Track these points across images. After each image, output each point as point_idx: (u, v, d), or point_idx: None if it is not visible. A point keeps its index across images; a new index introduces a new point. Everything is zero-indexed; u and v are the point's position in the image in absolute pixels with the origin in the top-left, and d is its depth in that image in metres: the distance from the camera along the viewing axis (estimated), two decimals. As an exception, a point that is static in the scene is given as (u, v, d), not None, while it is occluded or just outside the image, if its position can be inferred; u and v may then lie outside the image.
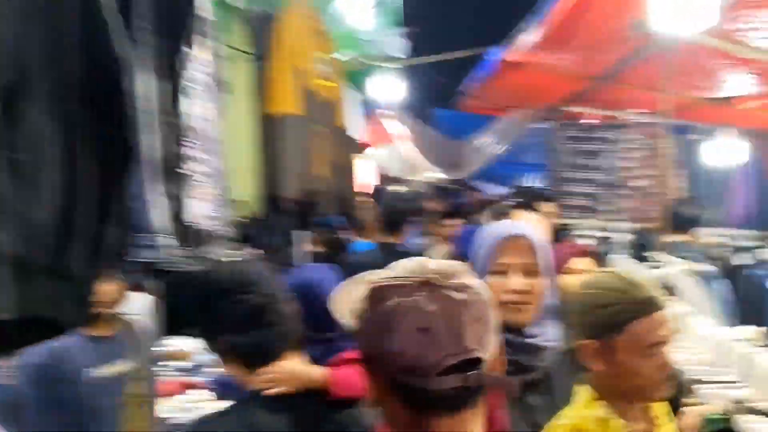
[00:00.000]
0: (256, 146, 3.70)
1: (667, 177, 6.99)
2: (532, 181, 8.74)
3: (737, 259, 6.15)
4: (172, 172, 2.47)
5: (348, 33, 5.24)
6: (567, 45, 4.84)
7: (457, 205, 8.24)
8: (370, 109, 7.86)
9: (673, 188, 7.04)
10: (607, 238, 6.81)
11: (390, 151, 9.74)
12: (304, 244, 4.59)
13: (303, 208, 3.88)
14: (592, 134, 6.95)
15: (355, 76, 6.20)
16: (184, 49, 2.52)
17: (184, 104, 2.54)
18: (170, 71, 2.51)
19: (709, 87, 5.54)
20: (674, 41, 4.55)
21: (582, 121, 6.93)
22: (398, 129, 7.28)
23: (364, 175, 9.26)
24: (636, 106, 6.72)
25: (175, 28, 2.42)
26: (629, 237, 6.82)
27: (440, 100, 7.94)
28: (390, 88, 6.27)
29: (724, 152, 6.26)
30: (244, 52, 3.68)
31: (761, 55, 4.55)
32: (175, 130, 2.50)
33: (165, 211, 2.28)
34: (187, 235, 2.56)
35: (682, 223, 5.76)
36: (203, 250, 2.68)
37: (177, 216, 2.50)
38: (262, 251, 3.84)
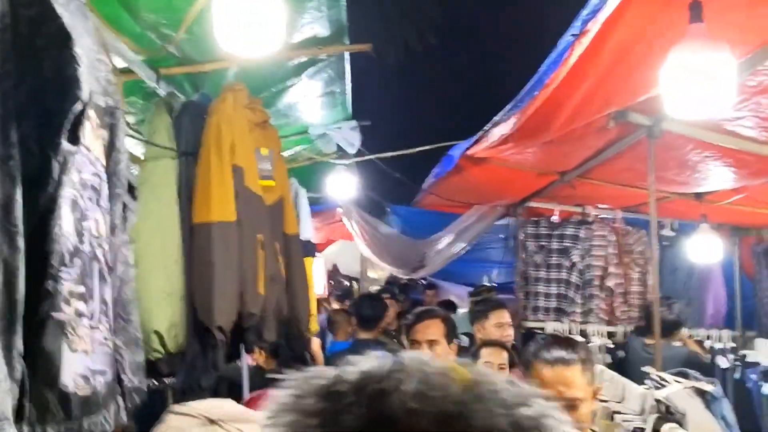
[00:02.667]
0: (179, 263, 2.91)
1: (639, 275, 6.40)
2: (495, 278, 8.05)
3: (722, 362, 5.53)
4: (35, 320, 1.69)
5: (295, 126, 4.54)
6: (538, 138, 4.24)
7: (416, 304, 7.52)
8: (321, 206, 7.15)
9: (646, 287, 6.45)
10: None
11: (341, 247, 8.99)
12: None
13: (239, 336, 3.06)
14: (558, 231, 6.33)
15: (303, 173, 5.48)
16: (63, 144, 1.77)
17: (63, 219, 1.77)
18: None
19: (685, 182, 5.02)
20: (658, 132, 4.00)
21: (548, 217, 6.31)
22: (352, 226, 6.52)
23: (317, 275, 8.48)
24: (603, 201, 6.16)
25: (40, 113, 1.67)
26: (605, 341, 6.17)
27: (397, 196, 7.26)
28: (343, 184, 5.56)
29: (698, 249, 5.67)
30: (166, 148, 2.93)
31: (749, 146, 4.02)
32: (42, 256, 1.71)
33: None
34: (65, 406, 1.76)
35: (666, 326, 5.15)
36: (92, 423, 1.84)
37: (47, 382, 1.72)
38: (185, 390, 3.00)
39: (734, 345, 5.80)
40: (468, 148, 4.52)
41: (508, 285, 7.62)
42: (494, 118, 3.96)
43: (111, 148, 2.20)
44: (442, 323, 3.15)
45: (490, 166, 5.21)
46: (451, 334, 3.18)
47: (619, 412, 4.10)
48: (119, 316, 2.27)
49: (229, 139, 3.03)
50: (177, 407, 1.54)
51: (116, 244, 2.19)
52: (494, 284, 7.74)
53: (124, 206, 2.24)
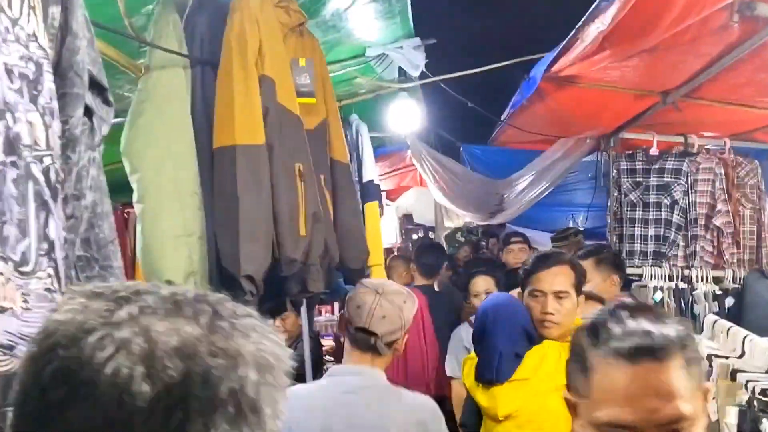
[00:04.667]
0: (197, 197, 2.27)
1: (751, 212, 5.44)
2: (582, 222, 7.16)
3: None
4: None
5: (349, 46, 3.81)
6: (640, 42, 3.38)
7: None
8: (389, 148, 6.43)
9: (760, 225, 5.48)
10: (684, 289, 5.25)
11: (416, 195, 8.27)
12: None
13: (279, 288, 2.42)
14: (657, 165, 5.41)
15: (364, 108, 4.77)
16: None
17: None
18: None
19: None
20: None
21: (646, 150, 5.39)
22: (423, 167, 5.78)
23: (387, 226, 7.78)
24: (712, 127, 5.20)
25: None
26: (711, 287, 5.27)
27: (471, 134, 6.43)
28: (409, 116, 4.81)
29: None
30: (175, 53, 2.27)
31: None
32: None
33: None
34: None
35: None
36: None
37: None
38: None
39: None
40: (553, 63, 3.68)
41: (597, 230, 6.74)
42: (584, 17, 3.11)
43: (65, 31, 1.55)
44: (571, 270, 2.46)
45: (577, 88, 4.36)
46: (580, 284, 2.49)
47: (741, 371, 3.30)
48: (92, 260, 1.65)
49: (255, 43, 2.33)
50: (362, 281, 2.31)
51: (78, 163, 1.56)
52: (581, 228, 6.84)
53: (89, 112, 1.60)
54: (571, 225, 7.36)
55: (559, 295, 2.40)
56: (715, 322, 4.06)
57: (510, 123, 5.07)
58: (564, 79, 4.22)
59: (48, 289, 1.34)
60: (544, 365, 2.33)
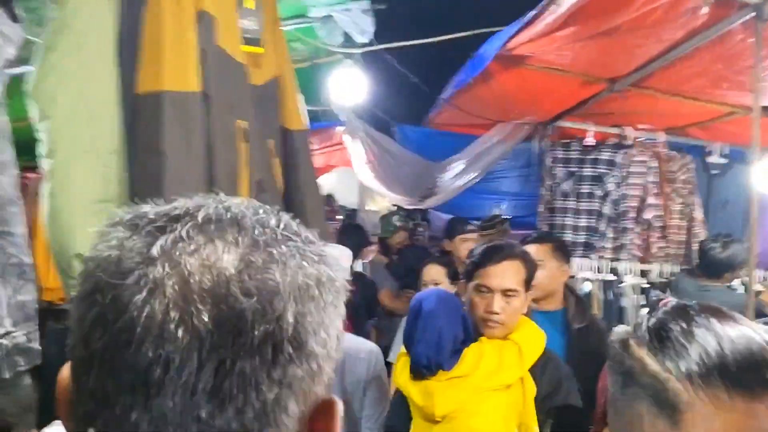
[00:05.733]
0: (118, 154, 1.85)
1: (681, 207, 5.41)
2: (508, 211, 7.01)
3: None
4: None
5: (290, 4, 3.42)
6: (603, 25, 3.16)
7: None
8: (320, 123, 6.04)
9: (688, 221, 5.47)
10: (612, 281, 5.18)
11: (340, 176, 7.91)
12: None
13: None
14: (591, 155, 5.29)
15: (299, 78, 4.37)
16: None
17: None
18: None
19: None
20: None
21: (581, 140, 5.26)
22: (355, 145, 5.44)
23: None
24: (651, 120, 5.10)
25: None
26: (638, 280, 5.22)
27: (407, 114, 6.12)
28: (349, 87, 4.44)
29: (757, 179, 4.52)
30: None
31: None
32: None
33: None
34: None
35: (717, 266, 4.25)
36: None
37: None
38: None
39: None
40: (512, 36, 3.41)
41: (523, 219, 6.60)
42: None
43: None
44: (522, 266, 2.20)
45: (525, 70, 4.13)
46: (530, 279, 2.24)
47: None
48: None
49: (195, -24, 1.94)
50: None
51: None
52: (507, 216, 6.65)
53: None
54: (496, 213, 7.22)
55: (507, 294, 2.16)
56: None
57: (451, 102, 4.80)
58: (514, 59, 3.97)
59: None
60: (483, 362, 2.09)
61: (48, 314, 4.47)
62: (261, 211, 0.57)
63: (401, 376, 2.12)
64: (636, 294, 5.17)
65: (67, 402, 0.54)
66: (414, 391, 2.09)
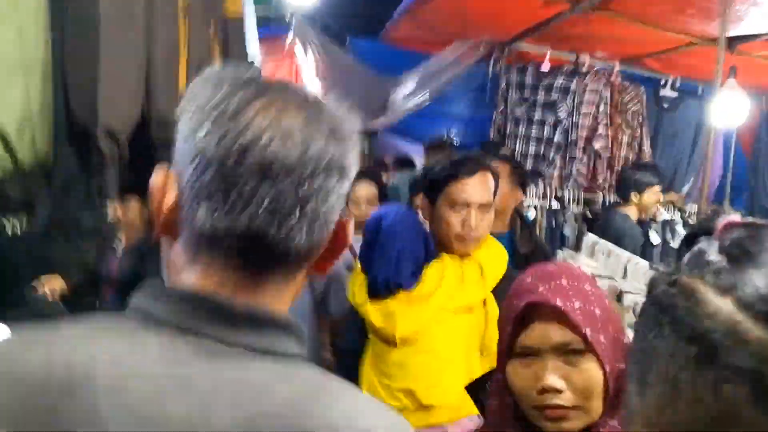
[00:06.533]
0: (43, 14, 1.63)
1: (629, 139, 5.41)
2: (457, 136, 6.88)
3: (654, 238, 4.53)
4: None
5: None
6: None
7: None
8: (268, 29, 5.71)
9: (636, 153, 5.48)
10: (556, 210, 5.17)
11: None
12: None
13: (146, 154, 1.85)
14: (546, 81, 5.19)
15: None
16: None
17: None
18: None
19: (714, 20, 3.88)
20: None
21: (537, 65, 5.13)
22: (305, 54, 5.18)
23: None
24: (607, 47, 5.01)
25: None
26: (582, 209, 5.24)
27: (361, 26, 5.84)
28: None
29: (719, 110, 4.40)
30: None
31: None
32: None
33: None
34: None
35: (622, 184, 4.08)
36: None
37: None
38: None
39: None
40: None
41: (471, 144, 6.50)
42: None
43: None
44: (492, 179, 2.02)
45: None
46: (495, 193, 2.08)
47: (628, 292, 3.21)
48: None
49: None
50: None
51: None
52: (454, 140, 6.52)
53: None
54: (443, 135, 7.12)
55: (483, 208, 1.99)
56: (595, 243, 3.97)
57: (407, 16, 4.58)
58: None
59: None
60: (445, 282, 1.94)
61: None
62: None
63: (358, 296, 1.95)
64: (578, 223, 5.19)
65: (175, 211, 0.67)
66: (372, 311, 1.92)
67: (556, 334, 0.95)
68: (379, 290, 1.87)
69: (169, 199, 0.68)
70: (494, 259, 2.03)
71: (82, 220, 1.78)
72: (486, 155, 2.88)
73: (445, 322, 1.87)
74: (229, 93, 0.65)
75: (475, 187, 1.96)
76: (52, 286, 2.88)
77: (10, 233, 3.88)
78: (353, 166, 0.70)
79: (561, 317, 0.94)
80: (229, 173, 0.62)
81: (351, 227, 0.75)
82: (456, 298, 1.91)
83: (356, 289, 1.95)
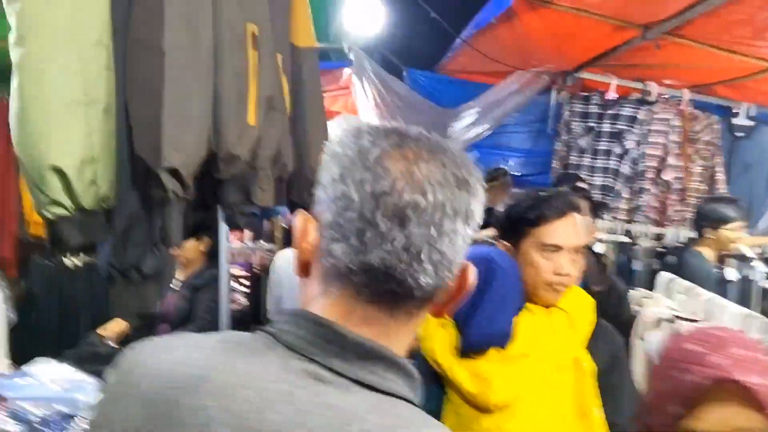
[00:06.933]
0: (106, 48, 1.52)
1: (701, 170, 5.12)
2: (515, 168, 6.66)
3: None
4: None
5: None
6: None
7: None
8: (326, 63, 5.65)
9: (709, 185, 5.18)
10: (625, 244, 4.90)
11: (341, 123, 7.53)
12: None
13: (211, 193, 1.72)
14: (611, 111, 4.97)
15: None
16: None
17: None
18: None
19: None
20: None
21: (602, 93, 4.92)
22: (362, 86, 5.08)
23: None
24: (672, 74, 4.77)
25: None
26: (653, 244, 4.95)
27: (418, 57, 5.74)
28: (362, 20, 4.07)
29: None
30: None
31: None
32: None
33: None
34: None
35: (698, 217, 3.77)
36: None
37: None
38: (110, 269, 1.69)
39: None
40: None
41: (530, 177, 6.28)
42: None
43: None
44: (582, 217, 1.80)
45: (553, 11, 3.78)
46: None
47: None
48: None
49: None
50: None
51: None
52: (509, 171, 6.28)
53: None
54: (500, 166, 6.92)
55: (575, 251, 1.77)
56: (671, 281, 3.70)
57: (469, 44, 4.43)
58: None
59: None
60: (541, 336, 1.70)
61: (34, 248, 4.16)
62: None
63: (442, 355, 1.68)
64: (649, 258, 4.90)
65: (315, 245, 0.72)
66: (461, 373, 1.66)
67: (741, 418, 0.74)
68: (472, 348, 1.64)
69: (310, 240, 0.74)
70: (581, 307, 1.80)
71: (144, 265, 1.65)
72: (569, 192, 2.67)
73: (539, 382, 1.65)
74: (368, 143, 0.71)
75: (567, 229, 1.74)
76: (114, 330, 2.81)
77: (71, 273, 3.81)
78: (478, 211, 0.74)
79: (745, 396, 0.73)
80: (366, 217, 0.68)
81: (473, 271, 0.77)
82: (550, 354, 1.68)
83: (437, 345, 1.68)
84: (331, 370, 0.67)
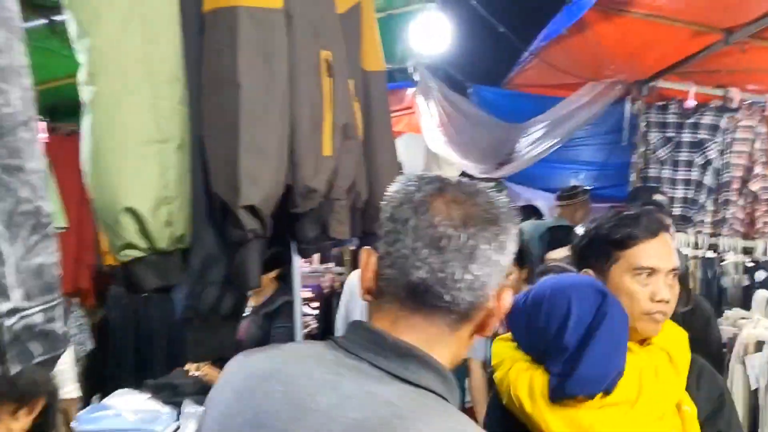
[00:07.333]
0: (179, 83, 1.46)
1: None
2: (587, 182, 6.41)
3: None
4: None
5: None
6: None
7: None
8: (390, 84, 5.58)
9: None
10: (712, 259, 4.61)
11: (407, 142, 7.44)
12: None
13: (286, 228, 1.64)
14: (691, 119, 4.71)
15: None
16: None
17: None
18: None
19: None
20: None
21: (680, 101, 4.67)
22: (427, 106, 4.98)
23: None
24: (755, 79, 4.49)
25: None
26: (741, 258, 4.64)
27: (483, 74, 5.60)
28: (426, 40, 3.97)
29: None
30: None
31: None
32: None
33: None
34: None
35: None
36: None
37: None
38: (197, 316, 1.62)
39: None
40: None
41: (604, 191, 6.02)
42: None
43: None
44: (671, 237, 1.62)
45: (629, 19, 3.60)
46: None
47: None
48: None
49: None
50: None
51: None
52: (587, 187, 6.04)
53: None
54: (574, 183, 6.67)
55: (671, 275, 1.57)
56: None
57: (539, 56, 4.28)
58: (617, 4, 3.45)
59: None
60: (644, 379, 1.48)
61: (111, 278, 4.21)
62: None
63: (529, 402, 1.46)
64: (739, 274, 4.59)
65: (375, 271, 0.88)
66: (556, 424, 1.45)
67: None
68: (576, 393, 1.45)
69: (371, 269, 0.88)
70: (678, 342, 1.59)
71: (221, 305, 1.57)
72: (654, 209, 2.48)
73: (655, 429, 1.46)
74: (414, 188, 0.86)
75: (660, 250, 1.55)
76: (203, 371, 2.83)
77: (146, 301, 3.83)
78: (511, 243, 0.87)
79: None
80: (411, 246, 0.83)
81: (509, 295, 0.90)
82: (654, 400, 1.47)
83: (523, 392, 1.46)
84: (374, 366, 0.82)
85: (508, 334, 1.60)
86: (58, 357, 0.90)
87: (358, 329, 0.88)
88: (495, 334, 1.52)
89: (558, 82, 4.90)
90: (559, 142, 5.15)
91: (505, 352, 1.57)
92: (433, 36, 3.86)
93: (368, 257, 0.89)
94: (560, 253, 3.99)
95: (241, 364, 0.93)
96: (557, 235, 4.53)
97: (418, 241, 0.82)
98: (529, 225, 5.11)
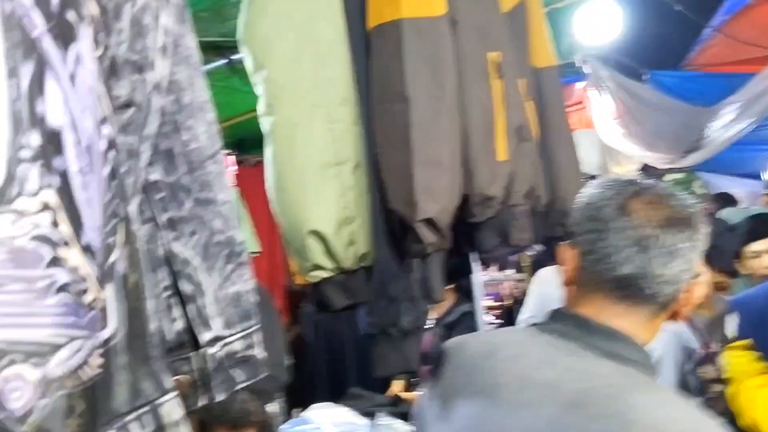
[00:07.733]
0: (351, 105, 1.48)
1: None
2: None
3: None
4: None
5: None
6: None
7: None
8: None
9: None
10: None
11: (578, 139, 7.10)
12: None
13: (465, 237, 1.59)
14: None
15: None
16: None
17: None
18: None
19: None
20: None
21: None
22: (599, 97, 4.72)
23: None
24: None
25: None
26: None
27: (658, 58, 5.20)
28: (596, 29, 3.76)
29: None
30: None
31: None
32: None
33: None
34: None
35: None
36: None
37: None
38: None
39: None
40: None
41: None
42: None
43: None
44: None
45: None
46: None
47: None
48: (179, 189, 0.88)
49: None
50: None
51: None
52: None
53: None
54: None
55: None
56: None
57: (722, 32, 3.89)
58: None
59: (42, 238, 0.58)
60: None
61: (303, 296, 4.41)
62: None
63: (753, 406, 1.36)
64: None
65: (576, 265, 0.95)
66: None
67: None
68: None
69: (572, 263, 0.95)
70: None
71: (403, 319, 1.56)
72: None
73: None
74: (612, 193, 0.93)
75: None
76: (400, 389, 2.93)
77: (334, 318, 3.97)
78: (701, 241, 0.92)
79: None
80: (614, 244, 0.90)
81: (700, 287, 0.98)
82: None
83: (762, 414, 1.34)
84: (584, 346, 0.89)
85: (741, 342, 1.46)
86: (274, 392, 0.94)
87: (564, 316, 0.95)
88: None
89: (747, 57, 4.41)
90: (755, 122, 4.66)
91: (739, 363, 1.43)
92: (601, 24, 3.64)
93: (569, 252, 0.97)
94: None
95: (463, 344, 1.02)
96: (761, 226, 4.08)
97: (621, 241, 0.89)
98: (730, 212, 4.65)
